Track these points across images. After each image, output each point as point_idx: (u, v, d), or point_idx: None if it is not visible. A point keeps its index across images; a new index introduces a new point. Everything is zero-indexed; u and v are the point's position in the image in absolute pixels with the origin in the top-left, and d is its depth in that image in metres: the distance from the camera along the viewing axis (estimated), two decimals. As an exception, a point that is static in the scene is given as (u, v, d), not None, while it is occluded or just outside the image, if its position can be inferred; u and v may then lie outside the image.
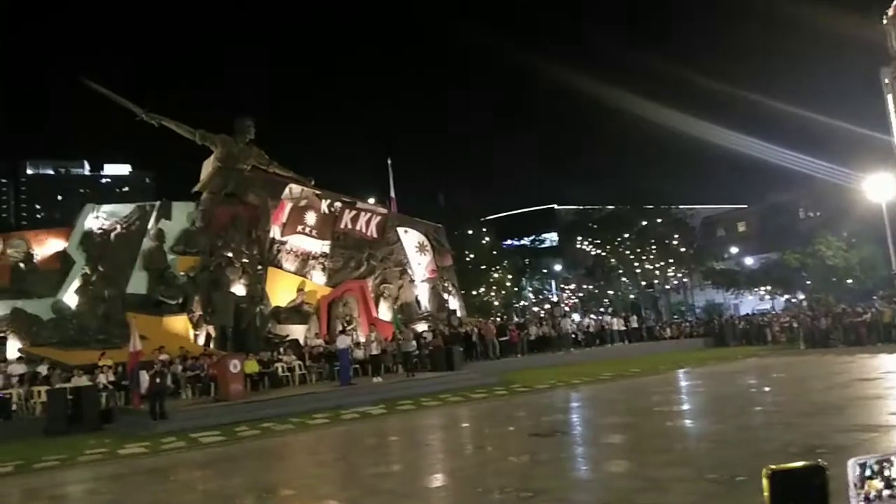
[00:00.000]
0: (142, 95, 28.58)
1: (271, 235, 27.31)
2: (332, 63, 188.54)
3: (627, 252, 50.46)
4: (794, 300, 45.09)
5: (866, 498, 1.32)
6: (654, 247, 49.75)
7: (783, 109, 40.78)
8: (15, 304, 23.04)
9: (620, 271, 51.82)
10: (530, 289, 61.18)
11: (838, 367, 19.48)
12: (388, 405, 16.90)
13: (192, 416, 16.29)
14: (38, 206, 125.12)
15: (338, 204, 29.72)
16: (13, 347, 22.23)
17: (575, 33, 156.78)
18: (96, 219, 25.51)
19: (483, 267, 49.73)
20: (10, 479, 11.26)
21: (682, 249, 50.44)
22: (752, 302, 50.47)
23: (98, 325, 22.82)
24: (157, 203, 26.61)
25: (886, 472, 1.34)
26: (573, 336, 31.51)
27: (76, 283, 24.02)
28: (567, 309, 51.76)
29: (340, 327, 26.70)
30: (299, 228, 28.22)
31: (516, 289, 55.31)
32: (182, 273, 24.86)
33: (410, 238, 32.34)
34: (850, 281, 39.45)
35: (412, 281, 31.37)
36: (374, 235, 30.65)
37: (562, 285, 60.63)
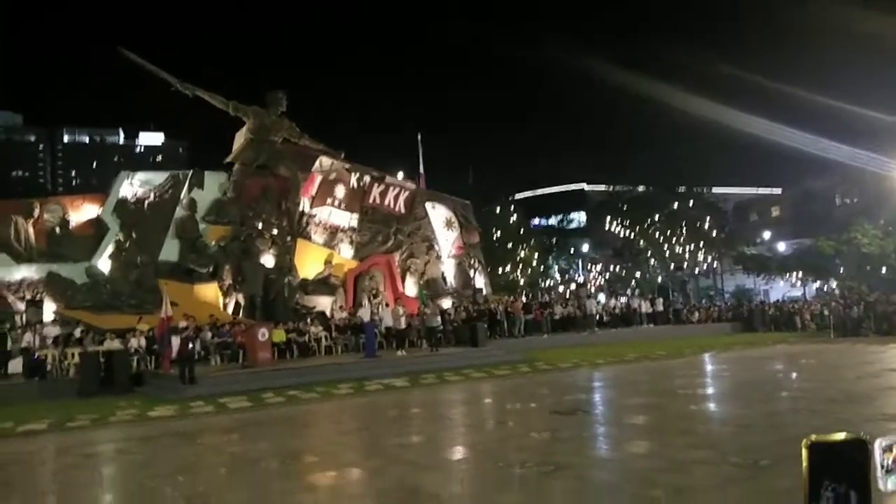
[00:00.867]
0: (176, 66, 28.76)
1: (301, 208, 27.52)
2: (364, 38, 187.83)
3: (657, 234, 49.90)
4: (825, 287, 44.30)
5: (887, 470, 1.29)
6: (684, 229, 49.11)
7: (820, 98, 39.68)
8: (50, 267, 23.60)
9: (649, 253, 51.32)
10: (556, 268, 60.93)
11: (869, 357, 19.16)
12: (412, 378, 17.06)
13: (221, 382, 16.62)
14: (73, 173, 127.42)
15: (367, 178, 29.79)
16: (48, 310, 22.83)
17: (611, 20, 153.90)
18: (130, 186, 25.92)
19: (510, 245, 49.61)
20: (45, 437, 11.64)
21: (714, 233, 49.73)
22: (782, 288, 49.69)
23: (130, 291, 23.29)
24: (190, 172, 26.93)
25: None
26: (598, 317, 31.39)
27: (110, 249, 24.49)
28: (593, 290, 51.52)
29: (366, 301, 26.94)
30: (328, 201, 28.38)
31: (542, 268, 55.12)
32: (213, 242, 25.21)
33: (438, 214, 32.35)
34: (884, 270, 38.58)
35: (438, 257, 31.45)
36: (402, 210, 30.72)
37: (588, 266, 60.23)
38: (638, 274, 53.80)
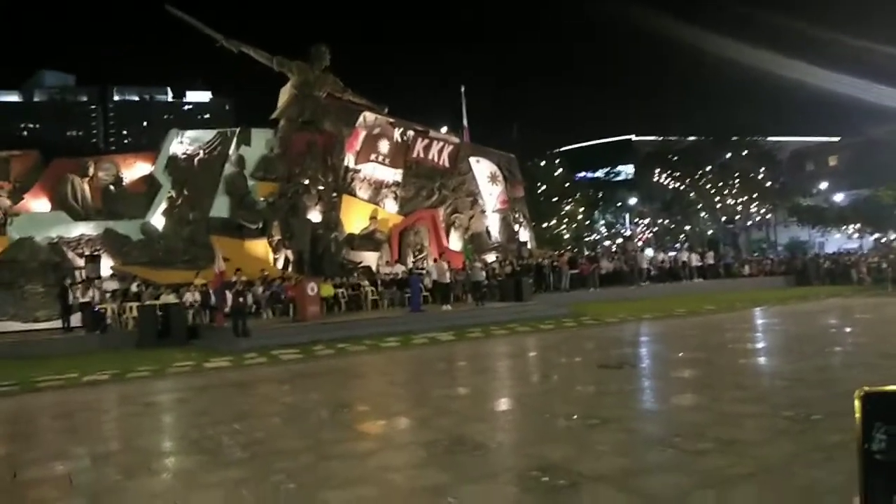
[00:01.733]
0: (221, 22, 28.82)
1: (345, 163, 27.65)
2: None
3: (708, 186, 48.65)
4: (884, 240, 42.74)
5: None
6: (737, 181, 47.73)
7: (880, 46, 37.50)
8: (106, 224, 24.38)
9: (699, 206, 50.15)
10: (603, 222, 60.15)
11: (930, 311, 18.51)
12: (457, 332, 17.23)
13: (272, 335, 17.09)
14: (124, 131, 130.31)
15: (410, 133, 29.68)
16: (106, 265, 23.66)
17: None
18: (180, 144, 26.39)
19: (555, 199, 49.09)
20: (107, 386, 12.20)
21: (768, 184, 48.22)
22: (838, 241, 48.16)
23: (184, 247, 23.95)
24: (237, 129, 27.27)
25: None
26: (647, 271, 31.00)
27: (163, 206, 25.13)
28: (641, 243, 50.80)
29: (411, 256, 27.15)
30: (372, 157, 28.43)
31: (588, 222, 54.49)
32: (261, 198, 25.62)
33: (482, 168, 32.13)
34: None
35: (483, 211, 31.36)
36: (446, 165, 30.59)
37: (636, 219, 59.26)
38: (687, 227, 52.76)
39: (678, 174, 50.17)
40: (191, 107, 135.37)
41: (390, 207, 28.64)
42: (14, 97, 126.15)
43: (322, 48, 27.30)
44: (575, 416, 7.69)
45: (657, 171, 52.29)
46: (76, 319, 19.44)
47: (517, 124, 52.72)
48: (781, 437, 6.43)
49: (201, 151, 26.40)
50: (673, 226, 53.92)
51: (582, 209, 51.59)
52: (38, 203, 25.03)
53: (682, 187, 50.33)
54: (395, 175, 29.02)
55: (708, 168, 48.49)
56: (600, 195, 58.55)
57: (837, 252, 40.66)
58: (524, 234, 33.13)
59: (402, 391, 10.87)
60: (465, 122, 35.87)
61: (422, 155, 29.93)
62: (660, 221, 54.98)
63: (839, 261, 34.64)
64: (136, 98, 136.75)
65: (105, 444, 7.89)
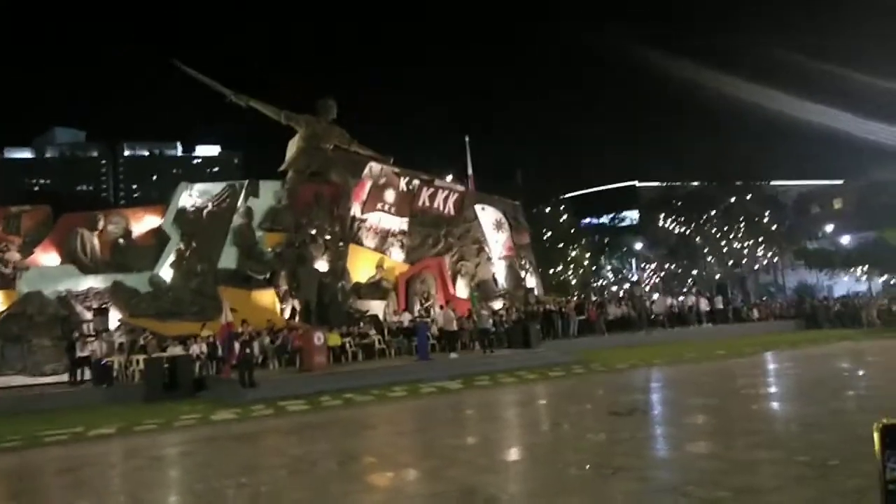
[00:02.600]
0: (229, 77, 29.54)
1: (352, 213, 27.88)
2: (413, 45, 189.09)
3: (713, 230, 48.70)
4: (892, 282, 42.48)
5: None
6: (742, 225, 47.79)
7: (883, 84, 37.96)
8: (115, 277, 24.47)
9: (706, 250, 50.12)
10: (609, 268, 60.11)
11: (944, 353, 18.28)
12: (465, 380, 17.08)
13: (279, 386, 16.97)
14: (134, 186, 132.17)
15: (416, 181, 29.98)
16: (114, 318, 23.68)
17: (660, 10, 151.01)
18: (189, 197, 26.68)
19: (561, 245, 49.19)
20: (113, 440, 12.08)
21: (773, 227, 48.25)
22: (846, 283, 47.85)
23: (191, 298, 23.95)
24: (246, 182, 27.58)
25: None
26: (654, 316, 30.82)
27: (171, 258, 25.25)
28: (648, 289, 50.61)
29: (418, 304, 27.11)
30: (378, 206, 28.68)
31: (594, 267, 54.47)
32: (269, 249, 25.76)
33: (488, 215, 32.32)
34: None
35: (489, 258, 31.41)
36: (452, 213, 30.80)
37: (642, 264, 59.19)
38: (695, 272, 52.63)
39: (683, 219, 50.31)
40: (200, 161, 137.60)
41: (396, 256, 28.74)
42: (26, 153, 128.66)
43: (329, 101, 27.94)
44: (587, 466, 7.57)
45: (662, 216, 52.47)
46: (84, 372, 19.36)
47: (521, 171, 53.10)
48: (797, 483, 6.31)
49: (210, 204, 26.67)
50: (680, 270, 53.80)
51: (588, 255, 51.63)
52: (47, 257, 25.22)
53: (687, 232, 50.39)
54: (401, 224, 29.21)
55: (712, 212, 48.63)
56: (606, 241, 58.67)
57: (846, 295, 40.41)
58: (531, 281, 33.10)
59: (411, 442, 10.73)
60: (469, 170, 36.27)
61: (427, 203, 30.18)
62: (666, 266, 54.89)
63: (848, 304, 34.42)
64: (146, 153, 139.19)
65: (111, 499, 7.79)
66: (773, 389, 14.27)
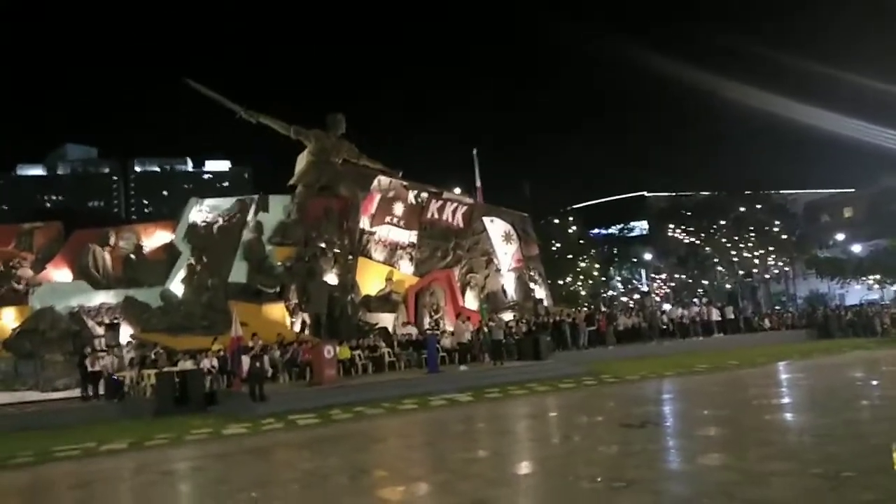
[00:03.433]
0: (238, 93, 29.81)
1: (361, 226, 27.98)
2: (418, 56, 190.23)
3: (723, 240, 48.54)
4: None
5: None
6: (752, 234, 47.64)
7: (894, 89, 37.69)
8: (127, 292, 24.65)
9: (716, 260, 49.93)
10: (619, 278, 59.94)
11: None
12: (476, 393, 17.04)
13: (290, 400, 16.97)
14: (145, 201, 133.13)
15: (424, 194, 30.07)
16: (125, 333, 23.81)
17: (664, 18, 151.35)
18: (200, 212, 26.88)
19: (570, 256, 49.13)
20: (125, 455, 12.11)
21: (784, 237, 48.06)
22: (859, 292, 47.52)
23: (202, 312, 24.06)
24: (256, 197, 27.79)
25: None
26: (665, 327, 30.66)
27: (182, 273, 25.40)
28: (658, 299, 50.41)
29: (428, 316, 27.10)
30: (387, 219, 28.76)
31: (604, 278, 54.33)
32: (279, 263, 25.86)
33: (496, 227, 32.35)
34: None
35: (498, 270, 31.40)
36: (461, 225, 30.85)
37: (652, 275, 58.99)
38: (705, 282, 52.42)
39: (692, 229, 50.20)
40: (210, 176, 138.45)
41: (406, 268, 28.78)
42: (38, 170, 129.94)
43: (338, 116, 28.17)
44: (599, 479, 7.54)
45: (671, 226, 52.37)
46: (97, 388, 19.44)
47: (529, 182, 53.14)
48: (812, 495, 6.26)
49: (220, 219, 26.85)
50: (690, 280, 53.60)
51: (597, 265, 51.52)
52: (59, 273, 25.44)
53: (696, 242, 50.25)
54: (409, 236, 29.28)
55: (722, 222, 48.49)
56: (615, 251, 58.53)
57: (859, 304, 40.08)
58: (540, 292, 33.05)
59: (422, 455, 10.71)
60: (477, 182, 36.35)
61: (436, 216, 30.25)
62: (676, 276, 54.70)
63: (861, 312, 34.13)
64: (157, 168, 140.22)
65: (123, 515, 7.81)
66: (785, 400, 14.16)
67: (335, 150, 27.98)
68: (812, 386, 16.30)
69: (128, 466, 11.32)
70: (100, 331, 23.57)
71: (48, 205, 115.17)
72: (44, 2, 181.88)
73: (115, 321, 24.10)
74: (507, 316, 28.45)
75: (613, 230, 66.20)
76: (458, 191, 34.24)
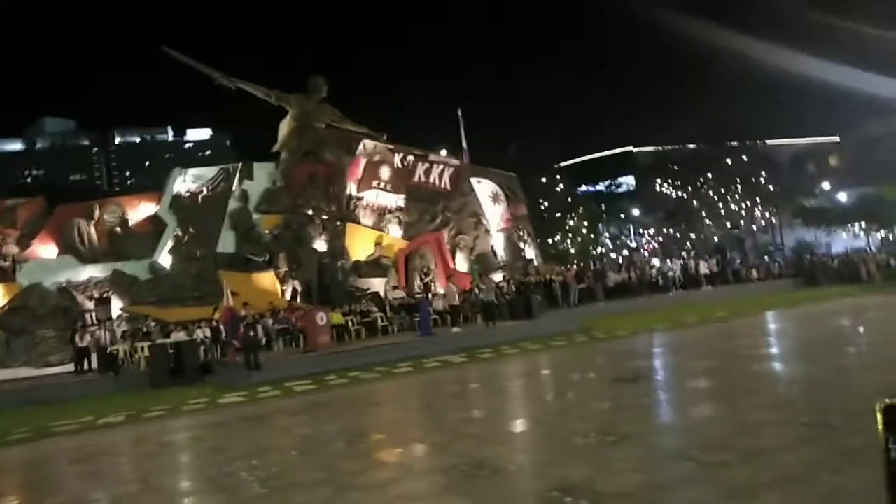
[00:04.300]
0: (216, 60, 29.23)
1: (348, 192, 27.82)
2: (397, 12, 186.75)
3: (710, 192, 48.68)
4: (890, 236, 42.60)
5: None
6: (739, 186, 47.77)
7: (878, 32, 37.13)
8: (114, 266, 24.48)
9: (703, 213, 50.14)
10: (608, 235, 60.16)
11: (943, 306, 18.41)
12: (469, 354, 17.19)
13: (284, 367, 17.07)
14: (127, 173, 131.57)
15: (410, 157, 29.88)
16: (116, 307, 23.74)
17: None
18: (184, 182, 26.60)
19: (558, 214, 49.18)
20: (123, 428, 12.19)
21: (770, 187, 48.22)
22: (845, 240, 47.97)
23: (192, 283, 23.98)
24: (240, 164, 27.48)
25: None
26: (654, 281, 30.91)
27: (169, 245, 25.25)
28: (647, 254, 50.73)
29: (418, 279, 27.17)
30: (374, 183, 28.60)
31: (593, 235, 54.51)
32: (267, 231, 25.75)
33: (484, 188, 32.27)
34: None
35: (487, 231, 31.42)
36: (448, 187, 30.74)
37: (640, 230, 59.23)
38: (693, 235, 52.72)
39: (679, 183, 50.27)
40: (192, 145, 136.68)
41: (394, 232, 28.74)
42: (17, 145, 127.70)
43: (318, 80, 27.73)
44: (592, 434, 7.67)
45: (658, 180, 52.40)
46: (90, 362, 19.45)
47: (515, 143, 52.77)
48: (802, 443, 6.40)
49: (205, 188, 26.60)
50: (678, 234, 53.88)
51: (586, 223, 51.63)
52: (45, 249, 25.19)
53: (684, 196, 50.38)
54: (397, 200, 29.16)
55: (708, 175, 48.57)
56: (603, 208, 58.60)
57: (845, 252, 40.50)
58: (530, 252, 33.15)
59: (418, 417, 10.85)
60: (464, 143, 36.06)
61: (423, 179, 30.10)
62: (665, 231, 54.96)
63: (847, 260, 34.50)
64: (137, 139, 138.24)
65: (124, 487, 7.88)
66: (774, 350, 14.39)
67: (317, 114, 27.64)
68: (799, 335, 16.56)
69: (127, 439, 11.40)
70: (90, 305, 23.45)
71: (28, 180, 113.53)
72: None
73: (105, 295, 23.98)
74: (498, 276, 28.58)
75: (601, 187, 66.18)
76: (444, 152, 34.02)
